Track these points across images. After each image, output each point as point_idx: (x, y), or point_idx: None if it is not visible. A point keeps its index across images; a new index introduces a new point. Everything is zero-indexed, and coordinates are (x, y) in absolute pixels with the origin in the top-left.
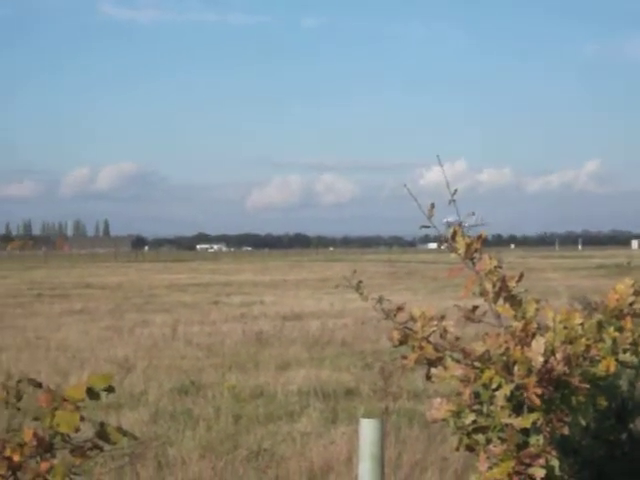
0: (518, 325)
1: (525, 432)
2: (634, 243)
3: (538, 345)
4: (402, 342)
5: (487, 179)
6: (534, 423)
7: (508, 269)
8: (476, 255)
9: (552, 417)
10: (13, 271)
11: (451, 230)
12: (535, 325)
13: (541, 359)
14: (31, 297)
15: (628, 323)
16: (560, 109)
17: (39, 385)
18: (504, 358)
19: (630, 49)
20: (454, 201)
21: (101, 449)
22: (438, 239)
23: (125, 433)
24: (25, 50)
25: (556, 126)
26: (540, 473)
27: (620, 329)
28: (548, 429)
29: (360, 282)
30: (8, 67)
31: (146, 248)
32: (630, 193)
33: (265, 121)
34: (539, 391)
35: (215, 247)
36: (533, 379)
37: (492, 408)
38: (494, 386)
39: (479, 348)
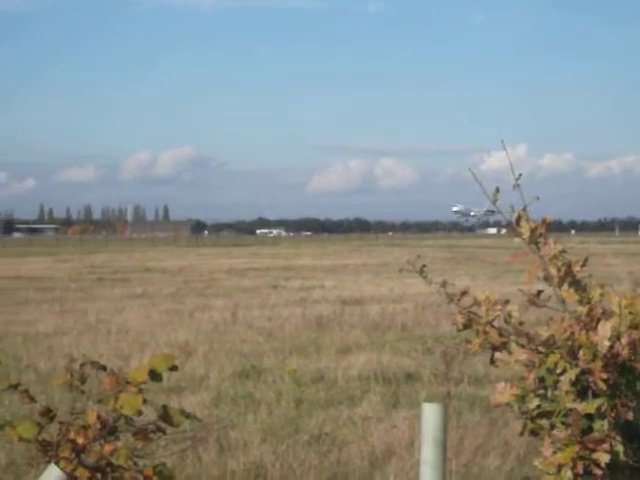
0: (583, 310)
1: (589, 417)
2: None
3: (604, 330)
4: (466, 326)
5: (547, 164)
6: (598, 408)
7: (569, 254)
8: (540, 240)
9: (617, 402)
10: (74, 255)
11: (515, 214)
12: (600, 310)
13: (607, 344)
14: (92, 281)
15: None
16: (620, 93)
17: (103, 368)
18: (569, 343)
19: None
20: (518, 186)
21: (164, 432)
22: (498, 224)
23: (188, 415)
24: (86, 36)
25: (617, 110)
26: (604, 458)
27: None
28: (613, 414)
29: (424, 266)
30: (69, 53)
31: (205, 233)
32: None
33: (325, 106)
34: (605, 376)
35: (274, 232)
36: (599, 364)
37: (556, 393)
38: (559, 371)
39: (544, 333)
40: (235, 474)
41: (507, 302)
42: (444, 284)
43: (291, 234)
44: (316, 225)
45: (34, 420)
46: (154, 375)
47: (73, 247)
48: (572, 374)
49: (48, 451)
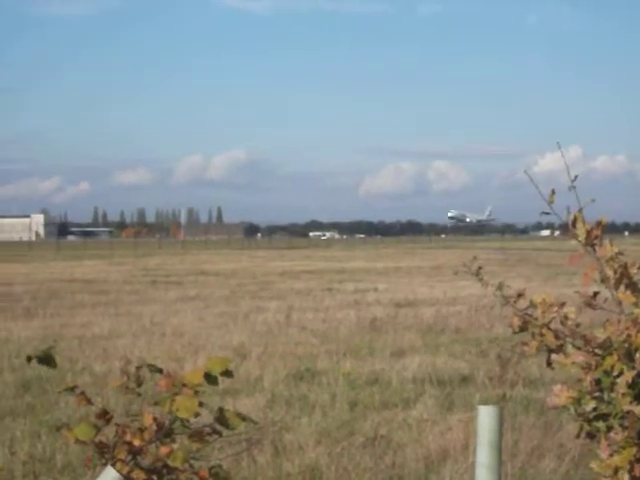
0: (639, 312)
1: None
2: None
3: None
4: (522, 329)
5: (601, 166)
6: None
7: (624, 256)
8: (596, 242)
9: None
10: (128, 258)
11: (571, 216)
12: None
13: None
14: (146, 284)
15: None
16: None
17: (159, 370)
18: (626, 345)
19: None
20: (574, 187)
21: (220, 434)
22: (551, 226)
23: (244, 418)
24: (146, 41)
25: None
26: None
27: None
28: None
29: (480, 268)
30: (128, 58)
31: (259, 235)
32: None
33: (377, 108)
34: None
35: (327, 234)
36: None
37: (613, 395)
38: (615, 373)
39: (600, 335)
40: (290, 476)
41: (563, 304)
42: (500, 286)
43: (344, 237)
44: (369, 227)
45: (91, 422)
46: (210, 378)
47: (127, 250)
48: (629, 376)
49: (105, 453)
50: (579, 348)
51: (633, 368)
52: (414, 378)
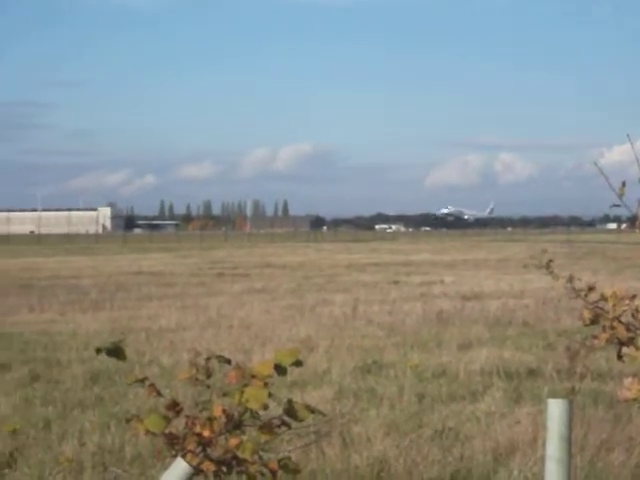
0: None
1: None
2: None
3: None
4: (593, 322)
5: None
6: None
7: None
8: None
9: None
10: (194, 250)
11: None
12: None
13: None
14: (212, 276)
15: None
16: None
17: (228, 362)
18: None
19: None
20: None
21: (289, 426)
22: (618, 219)
23: (313, 410)
24: (212, 31)
25: None
26: None
27: None
28: None
29: (550, 261)
30: (193, 48)
31: (324, 228)
32: None
33: (442, 100)
34: None
35: (393, 227)
36: None
37: None
38: None
39: None
40: (358, 469)
41: (634, 297)
42: (571, 279)
43: (410, 229)
44: (435, 220)
45: (161, 414)
46: (279, 369)
47: (193, 243)
48: None
49: (174, 444)
50: None
51: None
52: (481, 371)
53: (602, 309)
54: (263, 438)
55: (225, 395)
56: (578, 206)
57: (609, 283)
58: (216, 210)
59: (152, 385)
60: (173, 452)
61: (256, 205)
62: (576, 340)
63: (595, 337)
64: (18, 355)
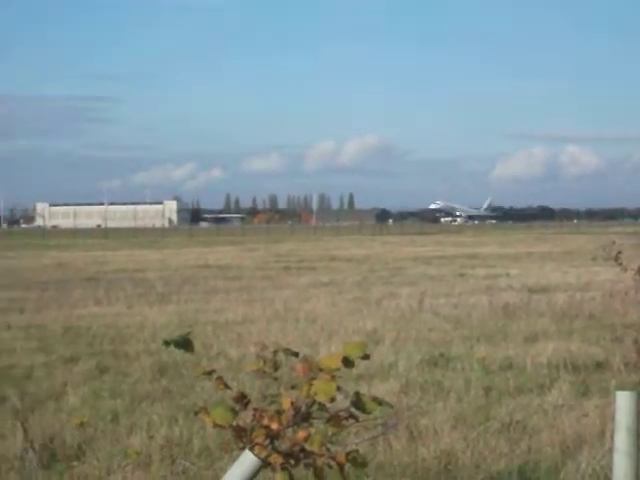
0: None
1: None
2: None
3: None
4: None
5: None
6: None
7: None
8: None
9: None
10: (260, 244)
11: None
12: None
13: None
14: (278, 270)
15: None
16: None
17: (295, 354)
18: None
19: None
20: None
21: (356, 419)
22: None
23: (380, 403)
24: (275, 26)
25: None
26: None
27: None
28: None
29: (619, 253)
30: (259, 43)
31: (390, 221)
32: None
33: (506, 92)
34: None
35: (458, 220)
36: None
37: None
38: None
39: None
40: (425, 461)
41: None
42: None
43: (475, 222)
44: (500, 213)
45: (229, 406)
46: (347, 362)
47: (259, 236)
48: None
49: (242, 437)
50: None
51: None
52: (548, 363)
53: None
54: (330, 431)
55: (293, 388)
56: None
57: None
58: (282, 204)
59: (220, 378)
60: (241, 445)
61: (322, 199)
62: None
63: None
64: (86, 348)
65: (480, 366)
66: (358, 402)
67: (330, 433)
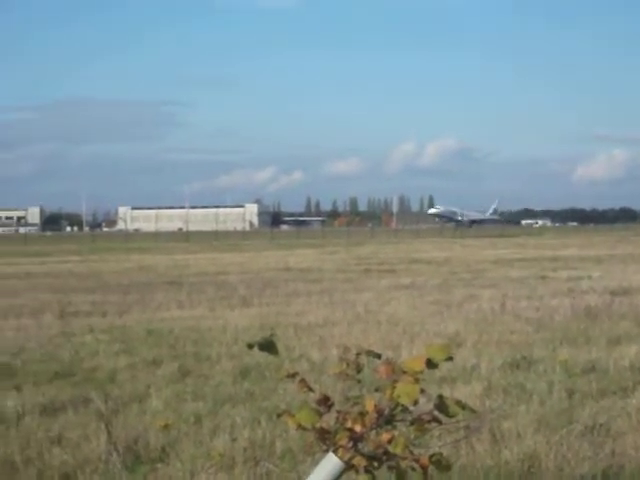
0: None
1: None
2: None
3: None
4: None
5: None
6: None
7: None
8: None
9: None
10: (340, 247)
11: None
12: None
13: None
14: (359, 272)
15: None
16: None
17: (378, 356)
18: None
19: None
20: None
21: (440, 422)
22: None
23: (464, 406)
24: (348, 24)
25: None
26: None
27: None
28: None
29: None
30: (334, 44)
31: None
32: None
33: (587, 94)
34: None
35: (540, 222)
36: None
37: None
38: None
39: None
40: (509, 464)
41: None
42: None
43: (556, 224)
44: (581, 215)
45: (312, 408)
46: (430, 364)
47: (339, 239)
48: None
49: (326, 439)
50: None
51: None
52: (632, 366)
53: None
54: (414, 433)
55: (376, 390)
56: None
57: None
58: (362, 206)
59: (303, 380)
60: (324, 447)
61: (402, 201)
62: None
63: None
64: (168, 351)
65: (562, 369)
66: (441, 405)
67: (413, 436)
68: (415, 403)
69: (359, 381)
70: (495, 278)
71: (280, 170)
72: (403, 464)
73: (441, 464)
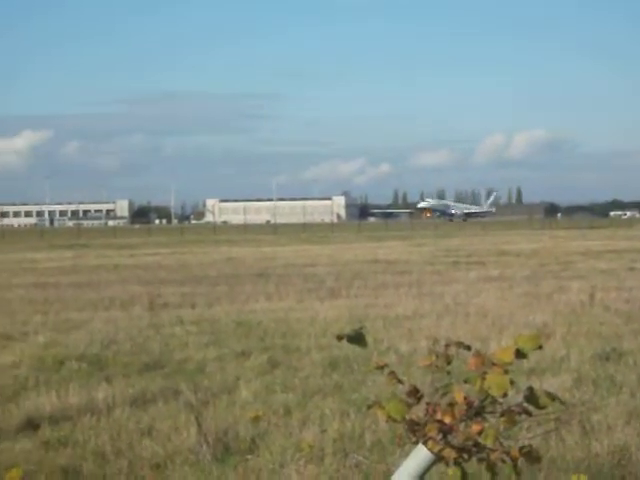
0: None
1: None
2: None
3: None
4: None
5: None
6: None
7: None
8: None
9: None
10: (428, 239)
11: None
12: None
13: None
14: (447, 264)
15: None
16: None
17: (468, 348)
18: None
19: None
20: None
21: (529, 414)
22: None
23: (554, 398)
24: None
25: None
26: None
27: None
28: None
29: None
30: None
31: (559, 215)
32: None
33: None
34: None
35: (628, 213)
36: None
37: None
38: None
39: None
40: (599, 457)
41: None
42: None
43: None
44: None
45: (402, 400)
46: (519, 354)
47: (427, 231)
48: None
49: (415, 431)
50: None
51: None
52: None
53: None
54: (503, 425)
55: (466, 382)
56: None
57: None
58: (450, 198)
59: (392, 372)
60: (414, 439)
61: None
62: None
63: None
64: (258, 343)
65: None
66: (531, 397)
67: (502, 428)
68: (505, 395)
69: (449, 373)
70: (584, 270)
71: (368, 162)
72: (493, 456)
73: (531, 456)
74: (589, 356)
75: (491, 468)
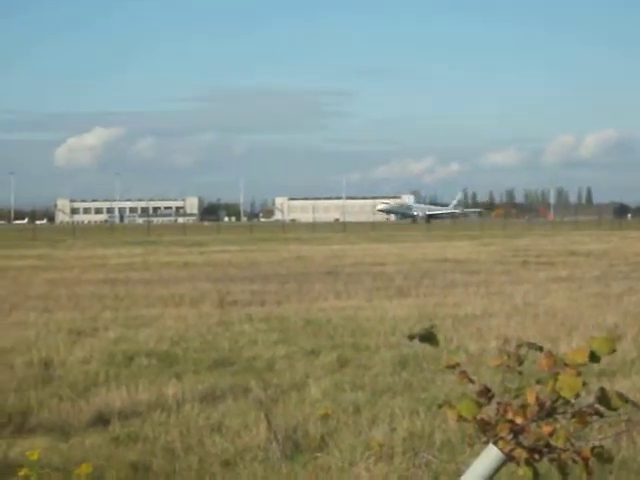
0: None
1: None
2: None
3: None
4: None
5: None
6: None
7: None
8: None
9: None
10: (497, 238)
11: None
12: None
13: None
14: (516, 264)
15: None
16: None
17: (540, 349)
18: None
19: None
20: None
21: (601, 415)
22: None
23: (626, 399)
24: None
25: None
26: None
27: None
28: None
29: None
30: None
31: (629, 216)
32: None
33: None
34: None
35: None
36: None
37: None
38: None
39: None
40: None
41: None
42: None
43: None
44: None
45: (473, 399)
46: (593, 357)
47: (496, 230)
48: None
49: (486, 431)
50: None
51: None
52: None
53: None
54: (574, 426)
55: (538, 382)
56: None
57: None
58: (519, 198)
59: (463, 371)
60: (484, 439)
61: (559, 193)
62: None
63: None
64: (327, 341)
65: None
66: (603, 398)
67: (573, 428)
68: (577, 396)
69: (520, 373)
70: None
71: (437, 161)
72: (564, 456)
73: (603, 457)
74: None
75: (562, 468)
